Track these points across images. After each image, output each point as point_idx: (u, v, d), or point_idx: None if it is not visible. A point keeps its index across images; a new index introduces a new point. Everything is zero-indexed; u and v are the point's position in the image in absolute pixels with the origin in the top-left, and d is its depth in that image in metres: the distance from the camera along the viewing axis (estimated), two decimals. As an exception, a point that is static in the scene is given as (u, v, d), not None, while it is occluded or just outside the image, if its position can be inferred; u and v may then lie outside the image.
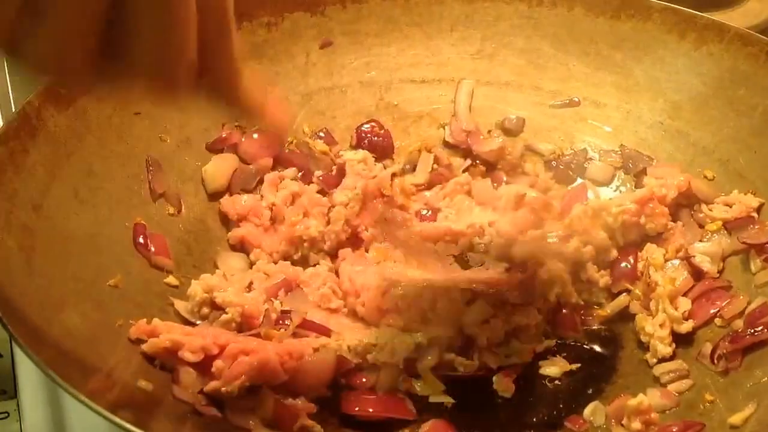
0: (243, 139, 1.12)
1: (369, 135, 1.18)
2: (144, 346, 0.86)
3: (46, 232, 0.88)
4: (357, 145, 1.17)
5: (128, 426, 0.69)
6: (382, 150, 1.17)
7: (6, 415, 0.96)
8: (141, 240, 0.98)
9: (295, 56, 1.19)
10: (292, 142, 1.16)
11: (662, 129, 1.14)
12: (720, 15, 1.22)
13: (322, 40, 1.20)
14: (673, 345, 0.93)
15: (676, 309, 0.94)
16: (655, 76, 1.16)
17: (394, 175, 1.13)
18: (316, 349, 0.89)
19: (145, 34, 0.57)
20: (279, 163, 1.14)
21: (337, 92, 1.20)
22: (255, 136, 1.13)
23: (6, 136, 0.90)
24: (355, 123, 1.19)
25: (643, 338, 0.95)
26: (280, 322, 0.93)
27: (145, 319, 0.88)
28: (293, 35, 1.19)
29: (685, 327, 0.93)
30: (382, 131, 1.18)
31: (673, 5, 1.15)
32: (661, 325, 0.94)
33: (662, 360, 0.93)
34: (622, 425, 0.85)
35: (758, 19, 1.42)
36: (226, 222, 1.08)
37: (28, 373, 0.97)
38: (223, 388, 0.83)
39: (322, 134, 1.17)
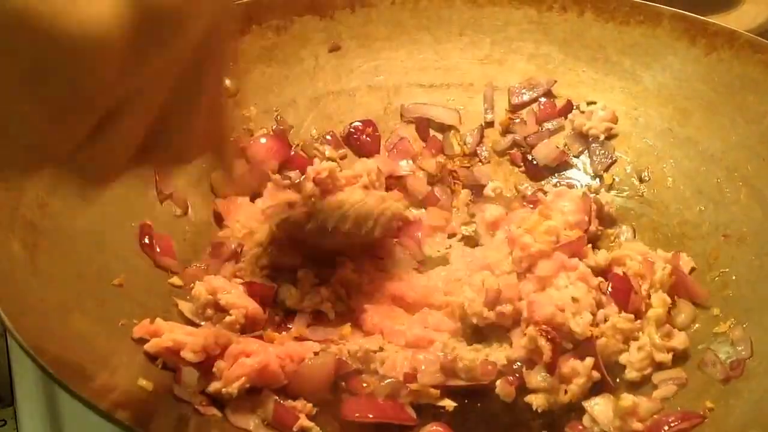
0: (251, 143, 1.13)
1: (358, 134, 1.18)
2: (146, 346, 0.86)
3: (51, 230, 0.88)
4: (345, 141, 1.17)
5: (128, 425, 0.70)
6: (367, 152, 1.17)
7: (3, 423, 0.98)
8: (146, 240, 0.98)
9: (303, 60, 1.19)
10: (298, 145, 1.16)
11: (671, 136, 1.12)
12: (715, 18, 1.20)
13: (330, 43, 1.20)
14: (649, 370, 0.90)
15: (667, 336, 0.92)
16: (664, 82, 1.15)
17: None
18: (316, 353, 0.89)
19: (185, 132, 0.65)
20: (284, 166, 1.14)
21: (345, 96, 1.20)
22: (263, 140, 1.13)
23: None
24: (363, 127, 1.20)
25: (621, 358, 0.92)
26: (282, 324, 0.94)
27: (148, 319, 0.88)
28: (302, 39, 1.19)
29: (664, 357, 0.90)
30: (376, 134, 1.18)
31: (682, 11, 1.14)
32: (639, 348, 0.91)
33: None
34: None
35: (755, 23, 1.39)
36: (232, 223, 1.08)
37: (25, 381, 0.98)
38: (223, 389, 0.84)
39: (328, 137, 1.17)
